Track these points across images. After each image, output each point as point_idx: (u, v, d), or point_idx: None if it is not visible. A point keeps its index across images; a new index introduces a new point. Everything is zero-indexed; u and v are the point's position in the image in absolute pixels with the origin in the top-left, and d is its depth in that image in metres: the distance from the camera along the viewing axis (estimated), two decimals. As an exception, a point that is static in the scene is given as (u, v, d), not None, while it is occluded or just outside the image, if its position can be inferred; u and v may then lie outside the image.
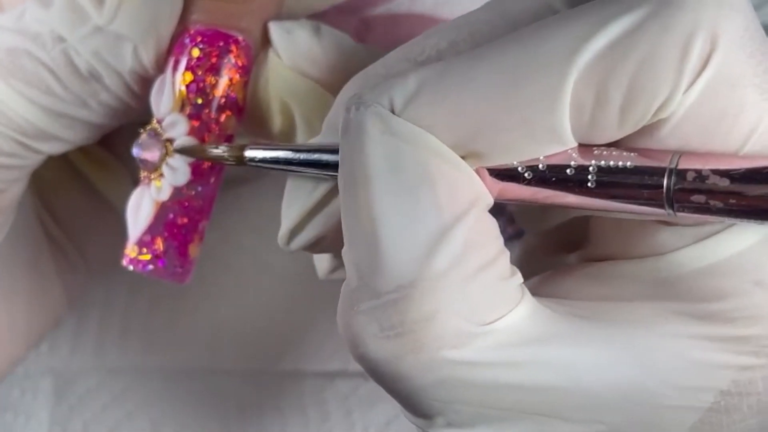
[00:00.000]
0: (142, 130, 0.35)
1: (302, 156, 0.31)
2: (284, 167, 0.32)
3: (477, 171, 0.28)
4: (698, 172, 0.26)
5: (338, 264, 0.36)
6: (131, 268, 0.35)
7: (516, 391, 0.27)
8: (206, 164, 0.35)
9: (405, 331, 0.27)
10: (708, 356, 0.28)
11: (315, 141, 0.32)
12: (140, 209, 0.35)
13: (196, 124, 0.35)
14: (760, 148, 0.27)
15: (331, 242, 0.32)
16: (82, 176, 0.43)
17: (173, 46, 0.35)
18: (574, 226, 0.33)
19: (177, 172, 0.35)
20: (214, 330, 0.47)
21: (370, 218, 0.27)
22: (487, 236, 0.28)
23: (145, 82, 0.36)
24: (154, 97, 0.35)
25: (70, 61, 0.35)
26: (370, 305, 0.27)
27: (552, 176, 0.28)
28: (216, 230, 0.43)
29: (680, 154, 0.27)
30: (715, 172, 0.26)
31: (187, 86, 0.35)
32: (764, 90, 0.27)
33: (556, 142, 0.27)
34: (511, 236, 0.44)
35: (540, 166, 0.28)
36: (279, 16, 0.36)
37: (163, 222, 0.35)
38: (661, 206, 0.27)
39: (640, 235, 0.29)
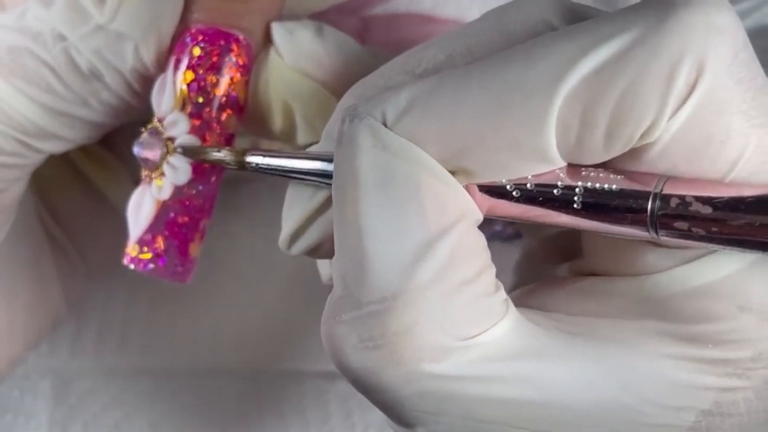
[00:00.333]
0: (143, 129, 0.35)
1: (302, 164, 0.32)
2: (284, 174, 0.32)
3: (467, 187, 0.28)
4: (682, 198, 0.27)
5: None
6: (132, 266, 0.35)
7: (496, 405, 0.28)
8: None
9: (384, 343, 0.27)
10: (691, 377, 0.28)
11: (314, 149, 0.32)
12: (141, 208, 0.35)
13: (197, 122, 0.35)
14: (747, 175, 0.27)
15: (330, 248, 0.32)
16: (83, 176, 0.43)
17: (174, 45, 0.35)
18: (572, 236, 0.33)
19: (178, 170, 0.35)
20: (214, 330, 0.47)
21: (358, 229, 0.28)
22: (473, 251, 0.28)
23: (146, 81, 0.36)
24: (155, 95, 0.35)
25: (71, 59, 0.35)
26: (351, 315, 0.27)
27: (539, 196, 0.28)
28: (216, 230, 0.43)
29: (666, 178, 0.27)
30: (699, 199, 0.27)
31: (188, 85, 0.35)
32: (751, 117, 0.27)
33: (544, 162, 0.28)
34: (510, 236, 0.44)
35: (528, 185, 0.28)
36: (280, 16, 0.36)
37: (164, 221, 0.35)
38: (646, 229, 0.27)
39: (629, 254, 0.29)
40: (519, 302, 0.29)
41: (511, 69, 0.27)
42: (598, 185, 0.28)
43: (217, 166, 0.35)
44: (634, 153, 0.28)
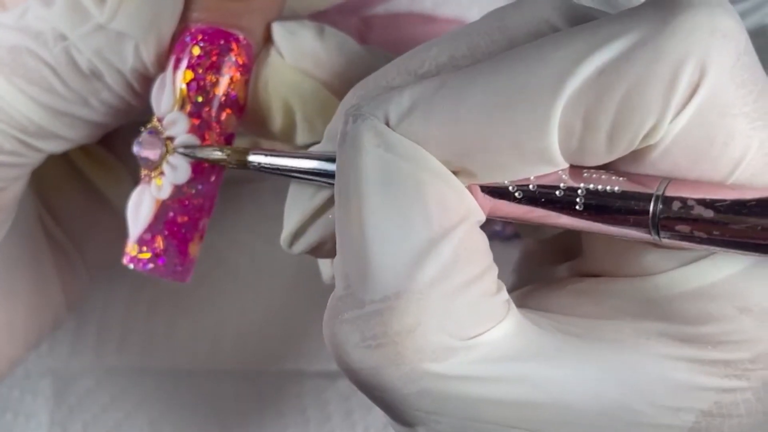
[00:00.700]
0: (142, 129, 0.35)
1: (304, 164, 0.32)
2: (286, 173, 0.32)
3: (469, 187, 0.28)
4: (684, 201, 0.27)
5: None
6: (131, 266, 0.35)
7: (497, 405, 0.28)
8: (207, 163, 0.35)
9: (387, 342, 0.27)
10: (691, 378, 0.28)
11: (316, 149, 0.32)
12: (141, 207, 0.35)
13: (196, 122, 0.35)
14: (749, 177, 0.27)
15: (331, 248, 0.32)
16: (83, 175, 0.43)
17: (174, 45, 0.35)
18: (572, 236, 0.33)
19: (177, 170, 0.35)
20: (214, 330, 0.47)
21: (360, 229, 0.28)
22: (475, 251, 0.28)
23: (146, 80, 0.36)
24: (154, 95, 0.35)
25: (71, 59, 0.35)
26: (354, 314, 0.28)
27: (542, 197, 0.28)
28: (216, 230, 0.43)
29: (668, 181, 0.27)
30: (700, 202, 0.27)
31: (188, 84, 0.35)
32: (753, 119, 0.27)
33: (546, 164, 0.28)
34: (509, 236, 0.44)
35: (530, 186, 0.28)
36: (280, 15, 0.36)
37: (164, 220, 0.35)
38: (648, 231, 0.27)
39: (630, 255, 0.29)
40: (519, 303, 0.29)
41: (514, 71, 0.27)
42: (600, 187, 0.28)
43: (217, 165, 0.35)
44: (637, 155, 0.28)
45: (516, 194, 0.28)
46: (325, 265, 0.36)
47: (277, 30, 0.35)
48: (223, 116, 0.35)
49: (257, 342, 0.46)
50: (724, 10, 0.27)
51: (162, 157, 0.35)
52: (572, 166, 0.28)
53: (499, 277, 0.29)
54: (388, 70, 0.31)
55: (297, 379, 0.46)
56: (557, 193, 0.28)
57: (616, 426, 0.28)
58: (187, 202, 0.35)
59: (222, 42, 0.35)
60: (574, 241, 0.33)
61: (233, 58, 0.35)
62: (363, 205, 0.28)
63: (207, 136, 0.35)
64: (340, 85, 0.35)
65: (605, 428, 0.28)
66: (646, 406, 0.28)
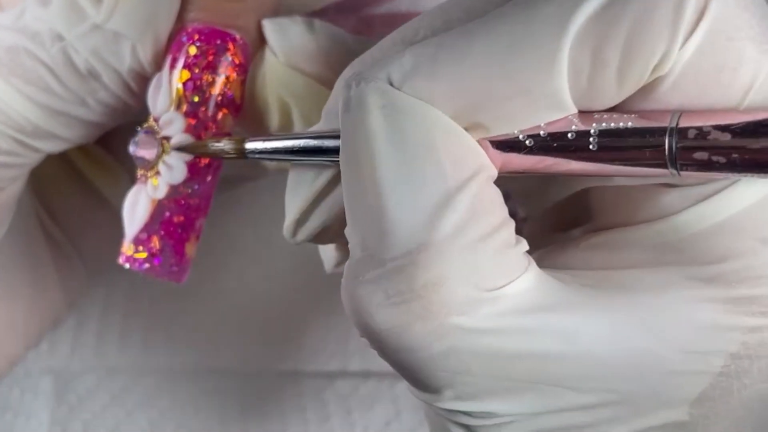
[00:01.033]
0: (139, 128, 0.35)
1: (303, 143, 0.31)
2: (285, 157, 0.32)
3: (479, 143, 0.28)
4: (699, 129, 0.26)
5: (345, 256, 0.35)
6: (127, 266, 0.35)
7: (523, 359, 0.27)
8: (203, 162, 0.35)
9: (412, 297, 0.27)
10: (716, 318, 0.28)
11: (314, 129, 0.32)
12: (137, 207, 0.35)
13: (192, 122, 0.35)
14: (761, 100, 0.27)
15: (336, 231, 0.32)
16: (81, 175, 0.43)
17: (171, 44, 0.35)
18: (575, 204, 0.33)
19: (173, 170, 0.35)
20: (214, 330, 0.47)
21: (375, 190, 0.27)
22: (491, 204, 0.28)
23: (144, 80, 0.36)
24: (151, 94, 0.35)
25: (68, 59, 0.35)
26: (375, 274, 0.27)
27: (554, 142, 0.28)
28: (215, 230, 0.43)
29: (680, 112, 0.27)
30: (716, 127, 0.26)
31: (184, 84, 0.35)
32: (761, 42, 0.27)
33: (556, 108, 0.27)
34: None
35: (541, 133, 0.28)
36: (276, 14, 0.36)
37: (160, 220, 0.35)
38: (664, 166, 0.27)
39: (643, 200, 0.29)
40: (537, 264, 0.29)
41: (517, 16, 0.27)
42: (613, 125, 0.27)
43: (213, 164, 0.35)
44: (646, 90, 0.27)
45: (527, 143, 0.28)
46: (326, 253, 0.36)
47: (268, 27, 0.35)
48: (220, 116, 0.35)
49: (257, 342, 0.46)
50: None
51: (158, 157, 0.35)
52: (581, 112, 0.28)
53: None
54: (381, 44, 0.31)
55: (296, 379, 0.46)
56: (569, 136, 0.28)
57: (645, 375, 0.28)
58: (183, 202, 0.35)
59: (218, 42, 0.35)
60: (579, 209, 0.32)
61: (230, 58, 0.35)
62: (375, 166, 0.27)
63: (203, 136, 0.35)
64: (333, 78, 0.34)
65: (634, 378, 0.28)
66: (673, 352, 0.28)
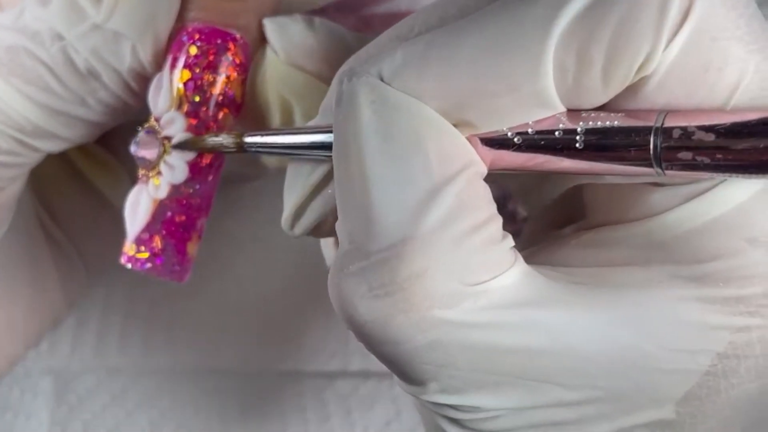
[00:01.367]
0: (140, 128, 0.35)
1: (300, 138, 0.32)
2: (283, 151, 0.32)
3: (469, 139, 0.28)
4: (684, 128, 0.26)
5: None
6: (129, 266, 0.35)
7: (508, 354, 0.27)
8: (204, 162, 0.35)
9: (395, 290, 0.27)
10: (703, 318, 0.28)
11: (312, 123, 0.32)
12: (138, 207, 0.35)
13: (193, 121, 0.35)
14: (747, 101, 0.27)
15: (332, 225, 0.32)
16: (81, 175, 0.43)
17: (171, 44, 0.35)
18: (569, 202, 0.33)
19: (175, 169, 0.35)
20: (215, 329, 0.46)
21: (363, 182, 0.28)
22: (478, 200, 0.28)
23: (144, 80, 0.36)
24: (151, 94, 0.35)
25: (68, 59, 0.35)
26: (360, 266, 0.27)
27: (541, 140, 0.28)
28: (216, 230, 0.43)
29: (666, 112, 0.27)
30: (701, 127, 0.26)
31: (185, 84, 0.35)
32: (747, 42, 0.27)
33: (543, 107, 0.28)
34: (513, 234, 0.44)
35: (529, 131, 0.28)
36: (277, 13, 0.36)
37: (161, 220, 0.35)
38: (650, 165, 0.27)
39: (632, 199, 0.29)
40: (525, 261, 0.29)
41: (505, 15, 0.27)
42: (599, 123, 0.27)
43: (214, 164, 0.35)
44: (632, 90, 0.27)
45: (515, 140, 0.28)
46: (327, 248, 0.36)
47: (269, 26, 0.35)
48: (220, 115, 0.35)
49: (258, 342, 0.46)
50: None
51: (159, 157, 0.35)
52: (570, 111, 0.28)
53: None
54: (377, 40, 0.31)
55: (296, 379, 0.46)
56: (556, 134, 0.28)
57: (630, 373, 0.28)
58: (184, 202, 0.35)
59: (219, 41, 0.35)
60: (573, 207, 0.33)
61: (230, 58, 0.35)
62: (363, 158, 0.28)
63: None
64: (333, 75, 0.34)
65: (619, 375, 0.28)
66: (660, 350, 0.28)
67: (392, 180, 0.27)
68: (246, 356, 0.46)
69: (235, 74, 0.35)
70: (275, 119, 0.35)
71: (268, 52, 0.35)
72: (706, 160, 0.26)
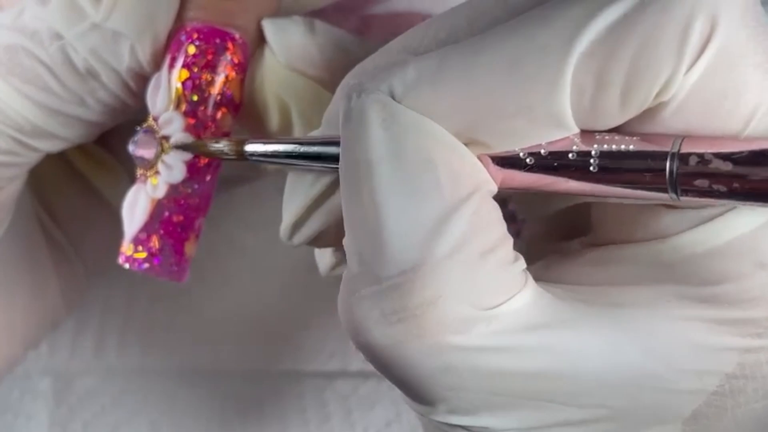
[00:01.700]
0: (138, 128, 0.35)
1: (303, 149, 0.31)
2: (285, 161, 0.32)
3: (480, 158, 0.28)
4: (701, 155, 0.26)
5: (340, 260, 0.35)
6: (127, 266, 0.35)
7: (519, 377, 0.27)
8: (202, 162, 0.35)
9: (407, 316, 0.27)
10: (712, 339, 0.28)
11: (315, 134, 0.32)
12: (136, 207, 0.35)
13: (192, 121, 0.35)
14: (763, 129, 0.27)
15: (333, 236, 0.32)
16: (80, 175, 0.43)
17: (170, 44, 0.35)
18: (577, 212, 0.33)
19: (173, 169, 0.35)
20: (214, 330, 0.46)
21: (373, 204, 0.27)
22: (490, 221, 0.27)
23: (143, 79, 0.36)
24: (150, 94, 0.35)
25: (67, 58, 0.35)
26: (371, 290, 0.27)
27: (554, 162, 0.28)
28: (215, 230, 0.43)
29: (683, 138, 0.27)
30: (718, 155, 0.26)
31: (183, 83, 0.35)
32: (766, 70, 0.27)
33: (558, 128, 0.27)
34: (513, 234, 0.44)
35: (542, 152, 0.28)
36: (276, 14, 0.36)
37: (159, 220, 0.35)
38: (665, 191, 0.27)
39: (643, 219, 0.29)
40: (533, 277, 0.29)
41: (522, 33, 0.27)
42: (614, 147, 0.27)
43: (213, 163, 0.35)
44: (649, 114, 0.27)
45: (527, 161, 0.28)
46: (322, 257, 0.36)
47: (268, 27, 0.35)
48: (219, 115, 0.35)
49: (257, 342, 0.46)
50: None
51: (157, 156, 0.35)
52: (583, 132, 0.28)
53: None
54: (385, 50, 0.30)
55: (296, 380, 0.46)
56: (570, 156, 0.27)
57: (639, 393, 0.28)
58: (182, 202, 0.35)
59: (218, 41, 0.35)
60: (581, 217, 0.32)
61: (229, 57, 0.35)
62: (373, 180, 0.27)
63: (202, 135, 0.35)
64: (333, 79, 0.34)
65: (628, 395, 0.28)
66: (669, 371, 0.28)
67: (402, 204, 0.27)
68: (246, 357, 0.46)
69: (233, 74, 0.35)
70: (273, 120, 0.35)
71: (267, 53, 0.35)
72: (723, 188, 0.26)
